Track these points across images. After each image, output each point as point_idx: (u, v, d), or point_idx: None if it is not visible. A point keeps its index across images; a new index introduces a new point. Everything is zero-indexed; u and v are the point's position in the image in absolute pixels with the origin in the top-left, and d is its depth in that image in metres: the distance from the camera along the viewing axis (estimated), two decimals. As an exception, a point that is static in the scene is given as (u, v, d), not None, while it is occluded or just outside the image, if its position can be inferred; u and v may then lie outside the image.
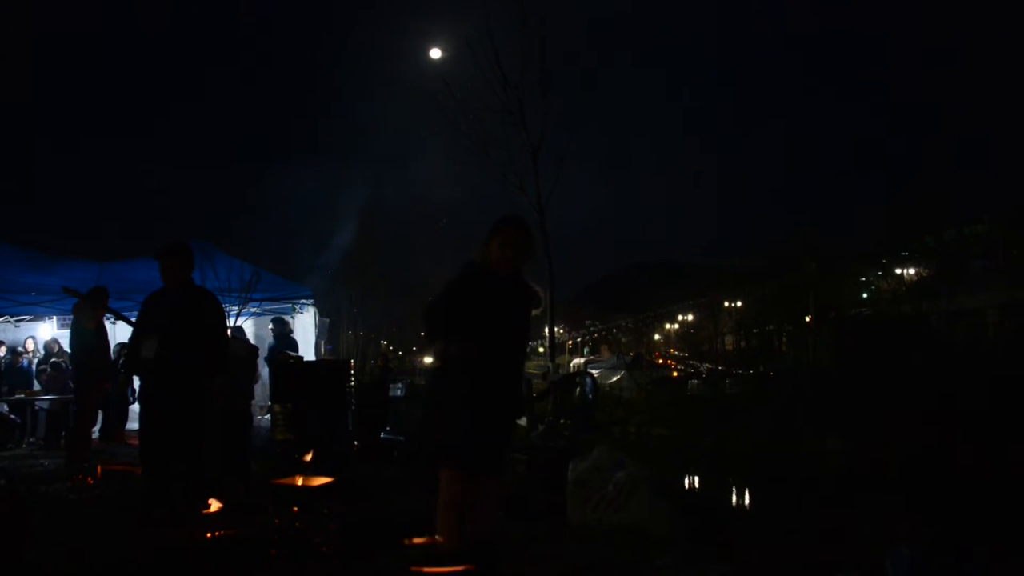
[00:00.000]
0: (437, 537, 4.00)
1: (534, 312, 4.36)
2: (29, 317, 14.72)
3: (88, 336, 9.34)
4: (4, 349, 13.77)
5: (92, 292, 9.35)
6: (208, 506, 6.07)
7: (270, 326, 13.36)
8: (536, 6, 11.47)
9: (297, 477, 6.01)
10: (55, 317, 14.29)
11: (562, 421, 8.45)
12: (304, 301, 15.62)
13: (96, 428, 11.68)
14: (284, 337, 13.00)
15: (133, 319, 6.59)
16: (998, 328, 23.52)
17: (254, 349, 10.91)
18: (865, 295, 27.71)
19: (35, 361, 13.87)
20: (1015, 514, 6.58)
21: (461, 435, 3.91)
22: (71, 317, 9.99)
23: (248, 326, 13.93)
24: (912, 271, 28.62)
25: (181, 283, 6.01)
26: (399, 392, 14.22)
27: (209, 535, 5.54)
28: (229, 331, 11.11)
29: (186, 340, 5.78)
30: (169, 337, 5.72)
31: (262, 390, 11.92)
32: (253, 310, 14.48)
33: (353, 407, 9.70)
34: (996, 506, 6.91)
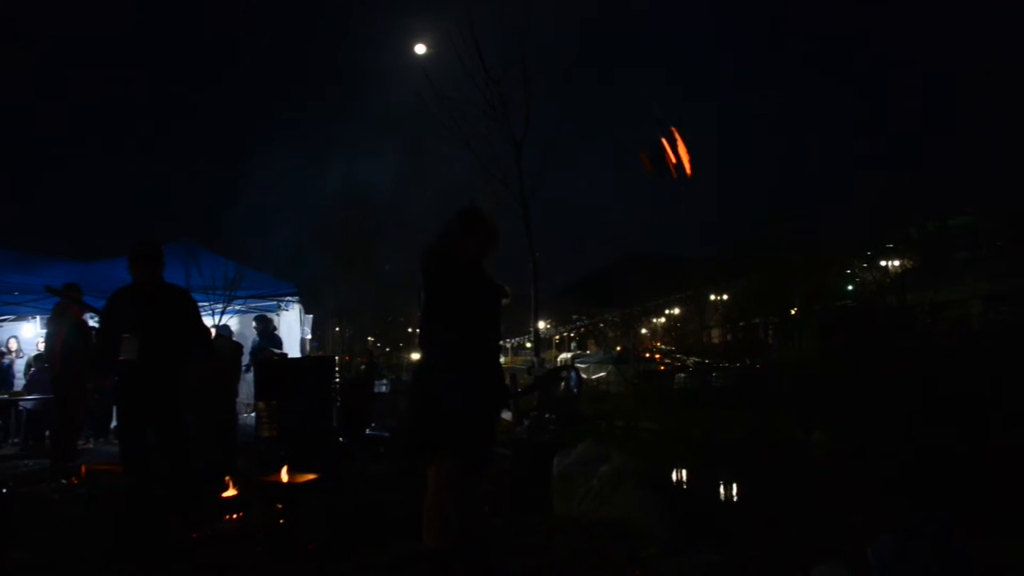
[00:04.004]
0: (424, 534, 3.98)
1: (504, 301, 4.35)
2: (12, 317, 14.63)
3: (69, 335, 9.29)
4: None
5: (66, 289, 9.29)
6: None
7: (254, 324, 13.31)
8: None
9: (282, 474, 6.01)
10: (38, 317, 14.20)
11: (547, 416, 8.43)
12: (289, 298, 15.61)
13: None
14: (268, 335, 12.97)
15: None
16: (982, 318, 23.68)
17: (238, 347, 10.88)
18: (850, 287, 27.84)
19: (16, 361, 13.79)
20: (996, 497, 6.63)
21: (453, 424, 3.90)
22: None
23: (233, 323, 13.89)
24: (897, 263, 28.81)
25: (155, 282, 5.95)
26: (384, 388, 14.20)
27: (195, 534, 5.53)
28: (213, 329, 11.11)
29: (169, 338, 5.75)
30: (152, 336, 5.67)
31: (246, 388, 11.89)
32: (238, 308, 14.45)
33: (338, 403, 9.67)
34: (978, 490, 6.96)
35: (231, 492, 6.10)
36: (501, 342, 4.55)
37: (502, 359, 4.70)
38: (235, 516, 5.91)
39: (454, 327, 4.01)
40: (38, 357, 12.54)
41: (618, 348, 40.23)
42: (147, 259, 5.87)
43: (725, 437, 13.68)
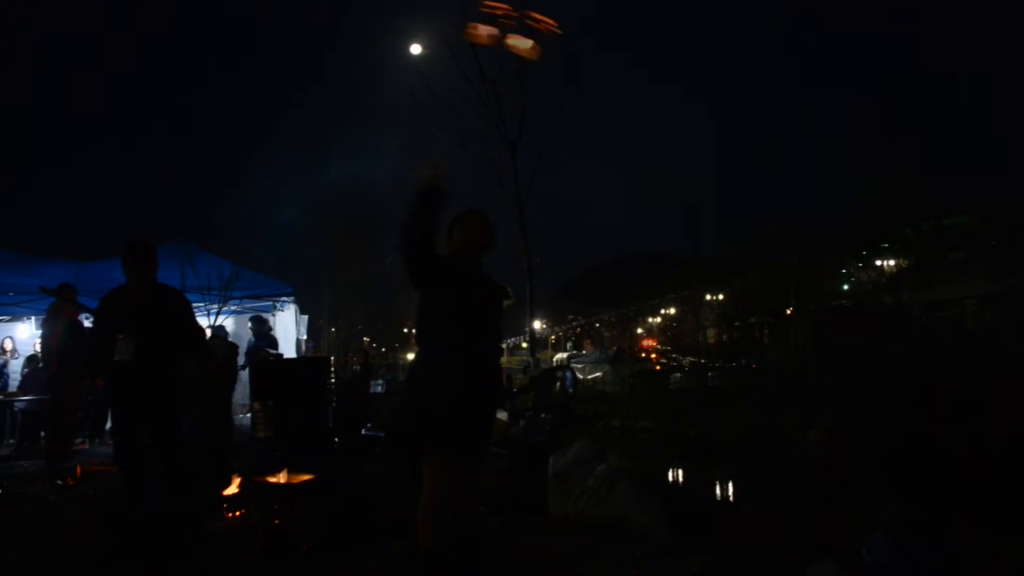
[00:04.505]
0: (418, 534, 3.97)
1: (506, 302, 4.34)
2: (7, 318, 14.61)
3: (64, 335, 9.29)
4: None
5: (61, 289, 9.27)
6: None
7: (249, 324, 13.31)
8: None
9: (278, 475, 6.00)
10: (33, 317, 14.18)
11: (543, 415, 8.44)
12: (285, 299, 15.59)
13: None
14: (264, 335, 12.96)
15: None
16: (977, 318, 23.70)
17: (233, 347, 10.87)
18: (846, 286, 27.87)
19: (11, 362, 13.75)
20: (988, 495, 6.66)
21: (441, 410, 3.89)
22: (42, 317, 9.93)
23: (228, 324, 13.88)
24: (892, 262, 28.82)
25: (148, 282, 5.93)
26: (380, 388, 14.22)
27: (190, 535, 5.53)
28: (209, 330, 11.11)
29: (163, 339, 5.74)
30: (146, 337, 5.65)
31: (242, 388, 11.89)
32: (234, 308, 14.44)
33: (334, 404, 9.67)
34: (971, 488, 6.99)
35: (230, 491, 6.11)
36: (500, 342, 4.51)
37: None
38: (231, 516, 5.92)
39: (444, 326, 3.99)
40: (31, 358, 12.51)
41: (613, 348, 40.22)
42: (140, 260, 5.84)
43: (721, 436, 13.71)
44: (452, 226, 4.18)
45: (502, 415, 10.22)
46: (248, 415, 10.25)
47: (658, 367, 30.00)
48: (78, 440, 10.81)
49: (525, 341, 17.93)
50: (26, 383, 12.11)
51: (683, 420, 15.77)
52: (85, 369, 8.52)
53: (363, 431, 10.25)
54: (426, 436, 3.91)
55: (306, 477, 6.01)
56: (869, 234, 25.85)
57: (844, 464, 9.99)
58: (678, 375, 24.42)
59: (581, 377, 23.54)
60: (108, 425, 11.73)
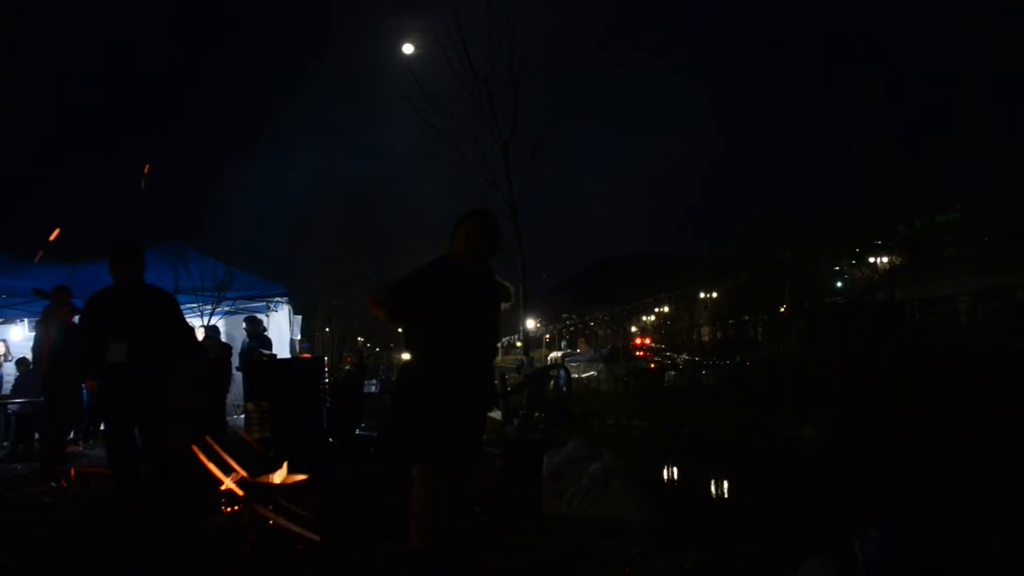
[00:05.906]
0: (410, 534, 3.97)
1: (504, 305, 4.33)
2: (0, 320, 14.56)
3: (57, 337, 9.26)
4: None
5: (55, 291, 9.25)
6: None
7: (243, 325, 13.29)
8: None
9: (272, 475, 5.99)
10: (26, 320, 14.13)
11: (537, 414, 8.45)
12: (278, 299, 15.57)
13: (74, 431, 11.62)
14: (257, 336, 12.93)
15: None
16: (970, 314, 23.74)
17: (226, 348, 10.84)
18: (839, 284, 27.90)
19: (5, 364, 13.70)
20: (984, 493, 6.68)
21: (431, 428, 3.88)
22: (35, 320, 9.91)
23: (221, 325, 13.86)
24: (885, 259, 28.88)
25: (137, 283, 5.91)
26: (374, 388, 14.20)
27: (184, 536, 5.52)
28: (202, 330, 11.09)
29: (155, 341, 5.72)
30: (139, 340, 5.64)
31: (236, 389, 11.87)
32: (227, 309, 14.41)
33: (328, 404, 9.66)
34: (967, 485, 7.01)
35: (224, 491, 6.09)
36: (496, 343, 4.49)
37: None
38: (225, 515, 5.90)
39: (440, 331, 3.98)
40: (21, 360, 12.46)
41: (608, 346, 40.27)
42: (126, 260, 5.82)
43: (716, 435, 13.72)
44: (456, 228, 4.15)
45: (496, 414, 10.23)
46: (242, 416, 10.24)
47: (652, 365, 30.00)
48: (67, 438, 10.79)
49: (519, 340, 17.92)
50: (18, 386, 12.08)
51: (678, 418, 15.78)
52: (75, 371, 8.50)
53: (357, 431, 10.24)
54: (416, 454, 3.92)
55: (300, 477, 6.00)
56: (863, 231, 25.88)
57: (838, 461, 10.01)
58: (672, 373, 24.43)
59: (575, 376, 23.55)
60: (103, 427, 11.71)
